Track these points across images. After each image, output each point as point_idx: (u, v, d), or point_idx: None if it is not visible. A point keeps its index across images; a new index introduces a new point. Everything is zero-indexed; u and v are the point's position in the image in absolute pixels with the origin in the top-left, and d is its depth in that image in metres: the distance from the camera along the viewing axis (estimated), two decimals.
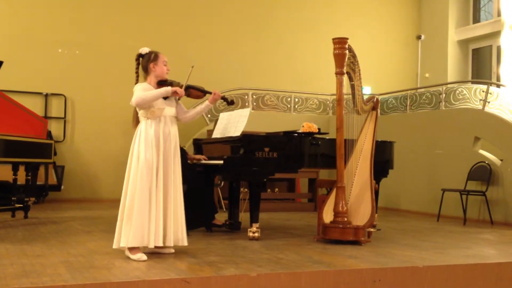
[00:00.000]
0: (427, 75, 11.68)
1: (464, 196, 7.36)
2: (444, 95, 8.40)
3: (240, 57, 10.47)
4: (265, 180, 5.38)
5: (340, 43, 5.07)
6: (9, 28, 9.06)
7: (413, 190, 8.70)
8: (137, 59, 4.26)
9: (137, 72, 4.28)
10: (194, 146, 6.09)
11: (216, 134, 5.70)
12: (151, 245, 3.92)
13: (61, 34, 9.35)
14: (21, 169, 6.54)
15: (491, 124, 7.66)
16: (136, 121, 4.22)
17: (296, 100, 9.92)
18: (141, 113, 4.14)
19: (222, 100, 4.60)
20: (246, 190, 6.14)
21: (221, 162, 5.12)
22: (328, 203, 5.15)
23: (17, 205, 6.34)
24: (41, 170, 7.61)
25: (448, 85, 8.65)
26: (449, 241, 5.44)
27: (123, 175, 4.10)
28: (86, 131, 9.42)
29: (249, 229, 5.10)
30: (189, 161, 5.57)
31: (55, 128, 9.25)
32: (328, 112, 10.15)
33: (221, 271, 3.54)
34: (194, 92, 4.38)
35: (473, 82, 9.13)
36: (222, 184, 7.34)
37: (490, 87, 7.99)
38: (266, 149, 5.08)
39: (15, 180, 6.44)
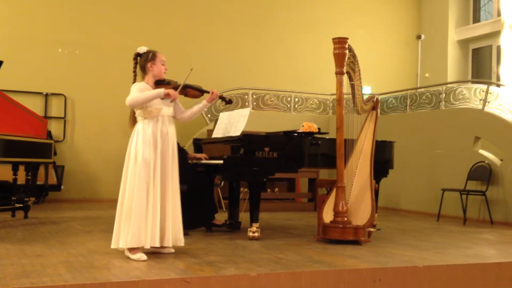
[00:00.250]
0: (427, 75, 11.68)
1: (464, 196, 7.36)
2: (444, 95, 8.40)
3: (240, 56, 10.47)
4: (265, 180, 5.38)
5: (340, 42, 5.07)
6: (9, 28, 9.06)
7: (413, 190, 8.70)
8: (135, 58, 4.25)
9: (134, 71, 4.26)
10: (194, 146, 6.09)
11: (216, 134, 5.70)
12: (147, 246, 3.91)
13: (61, 34, 9.35)
14: (21, 169, 6.54)
15: (491, 124, 7.66)
16: (133, 121, 4.20)
17: (296, 100, 9.92)
18: (138, 112, 4.12)
19: (220, 100, 4.59)
20: (246, 190, 6.14)
21: (221, 162, 5.12)
22: (328, 203, 5.15)
23: (17, 205, 6.34)
24: (41, 170, 7.61)
25: (448, 85, 8.65)
26: (449, 241, 5.44)
27: None
28: (86, 131, 9.42)
29: (249, 229, 5.10)
30: (189, 161, 5.57)
31: (55, 128, 9.25)
32: (328, 112, 10.15)
33: (221, 271, 3.54)
34: (192, 91, 4.36)
35: (473, 82, 9.14)
36: (222, 184, 7.34)
37: (490, 87, 7.99)
38: (266, 149, 5.08)
39: (15, 180, 6.44)
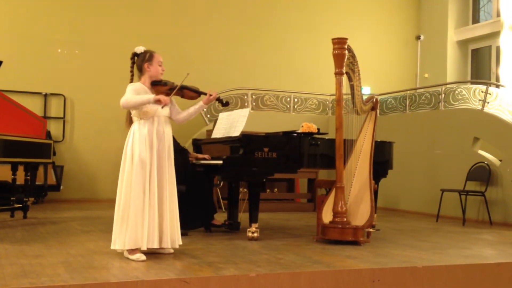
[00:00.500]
0: (426, 75, 11.69)
1: (463, 197, 7.36)
2: (443, 95, 8.40)
3: (239, 57, 10.47)
4: (264, 180, 5.38)
5: (339, 43, 5.07)
6: (9, 28, 9.06)
7: (412, 190, 8.70)
8: (132, 58, 4.22)
9: (131, 71, 4.23)
10: (193, 146, 6.09)
11: (216, 134, 5.70)
12: (144, 247, 3.89)
13: (61, 34, 9.35)
14: (20, 169, 6.54)
15: (490, 125, 7.66)
16: (129, 121, 4.19)
17: (296, 100, 9.92)
18: (134, 113, 4.10)
19: (217, 102, 4.57)
20: (245, 190, 6.14)
21: (221, 162, 5.12)
22: (327, 203, 5.15)
23: (16, 205, 6.33)
24: (40, 170, 7.61)
25: (448, 86, 8.66)
26: (448, 241, 5.45)
27: None
28: (85, 131, 9.42)
29: (248, 229, 5.10)
30: (191, 159, 5.57)
31: (54, 128, 9.24)
32: (327, 112, 10.15)
33: (221, 271, 3.54)
34: (188, 92, 4.33)
35: (472, 83, 9.14)
36: (221, 184, 7.34)
37: (489, 87, 8.00)
38: (266, 149, 5.08)
39: (14, 180, 6.44)
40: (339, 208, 4.95)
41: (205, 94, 4.36)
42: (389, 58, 11.70)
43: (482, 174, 7.43)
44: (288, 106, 9.85)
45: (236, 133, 5.23)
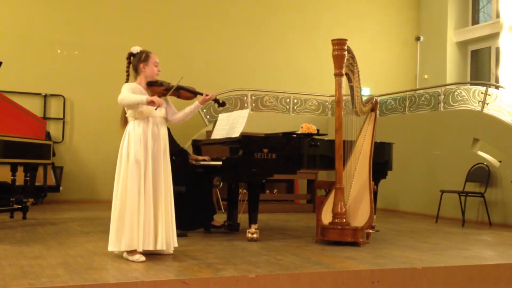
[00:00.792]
0: (426, 76, 11.69)
1: (462, 198, 7.37)
2: (443, 96, 8.40)
3: (239, 58, 10.47)
4: (264, 181, 5.38)
5: (339, 44, 5.07)
6: (8, 28, 9.05)
7: (412, 191, 8.70)
8: (128, 58, 4.21)
9: (127, 71, 4.21)
10: (193, 147, 6.08)
11: (215, 135, 5.70)
12: (140, 249, 3.88)
13: (60, 35, 9.35)
14: (20, 170, 6.54)
15: (490, 126, 7.66)
16: (124, 121, 4.18)
17: (295, 101, 9.92)
18: (129, 113, 4.08)
19: (214, 102, 4.56)
20: (245, 191, 6.14)
21: (220, 163, 5.12)
22: (326, 204, 5.15)
23: (16, 206, 6.33)
24: (40, 171, 7.60)
25: (447, 87, 8.66)
26: (448, 242, 5.45)
27: None
28: (85, 132, 9.41)
29: (248, 230, 5.10)
30: (190, 160, 5.57)
31: (53, 129, 9.24)
32: (327, 113, 10.15)
33: (220, 272, 3.54)
34: (184, 93, 4.32)
35: (472, 84, 9.13)
36: (221, 185, 7.33)
37: (489, 88, 8.00)
38: (265, 150, 5.08)
39: (13, 181, 6.44)
40: (339, 209, 4.95)
41: (201, 94, 4.34)
42: (389, 59, 11.70)
43: (481, 175, 7.43)
44: (288, 107, 9.85)
45: (235, 134, 5.23)
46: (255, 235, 5.05)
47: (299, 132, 5.39)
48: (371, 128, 5.57)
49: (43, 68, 9.23)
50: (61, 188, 8.82)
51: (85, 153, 9.39)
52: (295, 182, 9.22)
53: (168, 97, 4.22)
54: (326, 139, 5.51)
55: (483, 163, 7.49)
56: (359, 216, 5.00)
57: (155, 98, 3.97)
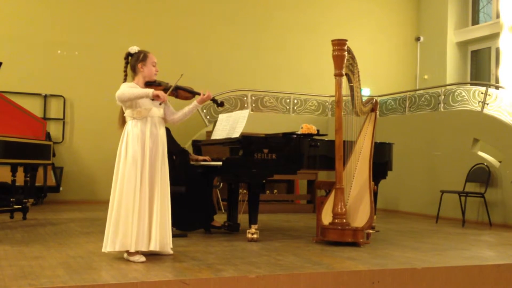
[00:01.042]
0: (426, 76, 11.69)
1: (462, 198, 7.37)
2: (443, 96, 8.40)
3: (239, 58, 10.48)
4: (264, 181, 5.37)
5: (339, 44, 5.07)
6: (9, 29, 9.05)
7: (412, 192, 8.70)
8: (126, 58, 4.19)
9: (125, 71, 4.19)
10: (193, 148, 6.09)
11: (215, 136, 5.70)
12: (132, 249, 3.86)
13: (60, 35, 9.35)
14: (20, 170, 6.54)
15: (490, 126, 7.66)
16: (122, 121, 4.18)
17: (295, 101, 9.92)
18: (127, 112, 4.08)
19: (212, 102, 4.56)
20: (245, 191, 6.14)
21: (220, 163, 5.12)
22: (326, 204, 5.15)
23: (16, 207, 6.34)
24: (40, 171, 7.61)
25: (447, 87, 8.66)
26: (448, 242, 5.44)
27: None
28: (85, 132, 9.41)
29: (248, 231, 5.09)
30: (192, 162, 5.57)
31: (54, 129, 9.24)
32: (327, 114, 10.15)
33: (220, 272, 3.54)
34: (183, 93, 4.32)
35: (472, 84, 9.13)
36: (221, 185, 7.34)
37: (489, 89, 8.00)
38: (265, 151, 5.08)
39: (13, 181, 6.44)
40: (339, 210, 4.95)
41: (199, 94, 4.32)
42: (389, 60, 11.70)
43: (481, 175, 7.43)
44: (288, 107, 9.85)
45: (236, 134, 5.23)
46: (255, 236, 5.05)
47: (299, 133, 5.39)
48: (371, 129, 5.57)
49: (43, 69, 9.24)
50: (61, 188, 8.82)
51: (85, 154, 9.39)
52: (295, 182, 9.22)
53: (167, 97, 4.21)
54: (326, 139, 5.51)
55: (483, 164, 7.49)
56: (359, 216, 5.00)
57: (161, 93, 3.97)
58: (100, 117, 9.38)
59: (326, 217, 5.05)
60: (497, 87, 8.62)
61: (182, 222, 5.36)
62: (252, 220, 5.08)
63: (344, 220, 4.94)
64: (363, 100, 5.56)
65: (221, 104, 4.62)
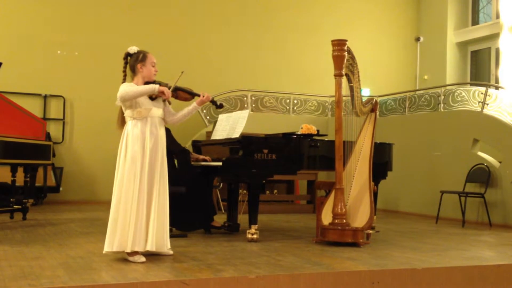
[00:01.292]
0: (426, 77, 11.70)
1: (462, 198, 7.37)
2: (442, 97, 8.40)
3: (239, 58, 10.48)
4: (264, 181, 5.37)
5: (339, 45, 5.07)
6: (8, 29, 9.06)
7: (412, 192, 8.70)
8: (125, 58, 4.18)
9: (124, 71, 4.18)
10: (193, 148, 6.08)
11: (215, 136, 5.70)
12: (128, 250, 3.86)
13: (60, 36, 9.35)
14: (20, 171, 6.54)
15: (490, 126, 7.66)
16: (121, 122, 4.18)
17: (295, 101, 9.92)
18: (127, 113, 4.07)
19: (211, 103, 4.56)
20: (245, 191, 6.14)
21: (220, 163, 5.12)
22: (326, 205, 5.15)
23: (16, 207, 6.33)
24: (40, 171, 7.61)
25: (447, 87, 8.66)
26: (448, 243, 5.44)
27: None
28: (85, 133, 9.41)
29: (247, 231, 5.09)
30: (192, 162, 5.57)
31: (53, 130, 9.24)
32: (327, 114, 10.15)
33: (220, 273, 3.54)
34: (182, 94, 4.32)
35: (472, 84, 9.13)
36: (221, 185, 7.34)
37: (489, 89, 8.00)
38: (265, 151, 5.08)
39: (13, 181, 6.43)
40: (339, 210, 4.95)
41: (199, 95, 4.33)
42: (389, 60, 11.70)
43: (481, 175, 7.43)
44: (288, 107, 9.85)
45: (235, 134, 5.23)
46: (255, 236, 5.05)
47: (299, 133, 5.39)
48: (371, 129, 5.57)
49: (43, 69, 9.24)
50: (61, 188, 8.82)
51: (85, 154, 9.38)
52: (295, 182, 9.22)
53: (170, 94, 4.21)
54: (326, 139, 5.51)
55: (483, 164, 7.49)
56: (359, 216, 5.00)
57: (166, 90, 3.98)
58: (100, 117, 9.37)
59: (326, 218, 5.05)
60: (497, 88, 8.63)
61: (182, 222, 5.37)
62: (252, 221, 5.08)
63: (344, 221, 4.94)
64: (363, 101, 5.56)
65: (220, 106, 4.62)
